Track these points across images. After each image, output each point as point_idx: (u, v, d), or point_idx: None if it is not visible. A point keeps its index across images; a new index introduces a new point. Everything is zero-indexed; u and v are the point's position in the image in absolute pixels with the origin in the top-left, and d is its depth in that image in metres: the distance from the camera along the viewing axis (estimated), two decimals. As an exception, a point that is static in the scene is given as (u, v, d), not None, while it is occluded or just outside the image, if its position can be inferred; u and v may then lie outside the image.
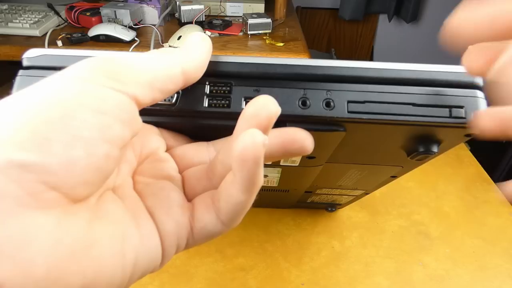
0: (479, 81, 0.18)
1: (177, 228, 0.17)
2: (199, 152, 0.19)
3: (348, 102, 0.17)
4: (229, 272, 0.38)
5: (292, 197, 0.39)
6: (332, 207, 0.44)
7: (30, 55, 0.18)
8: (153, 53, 0.15)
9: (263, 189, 0.33)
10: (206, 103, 0.17)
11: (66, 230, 0.12)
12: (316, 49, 1.80)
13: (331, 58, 1.57)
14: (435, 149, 0.19)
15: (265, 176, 0.29)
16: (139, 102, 0.14)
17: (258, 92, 0.17)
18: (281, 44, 0.88)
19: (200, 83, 0.17)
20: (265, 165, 0.24)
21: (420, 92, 0.17)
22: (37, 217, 0.11)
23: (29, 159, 0.11)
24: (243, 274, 0.38)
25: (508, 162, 1.40)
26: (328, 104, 0.17)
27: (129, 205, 0.16)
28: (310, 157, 0.22)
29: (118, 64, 0.14)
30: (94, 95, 0.13)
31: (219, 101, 0.17)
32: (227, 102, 0.17)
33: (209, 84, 0.18)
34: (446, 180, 0.51)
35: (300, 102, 0.17)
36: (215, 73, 0.18)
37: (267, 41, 0.89)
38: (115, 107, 0.13)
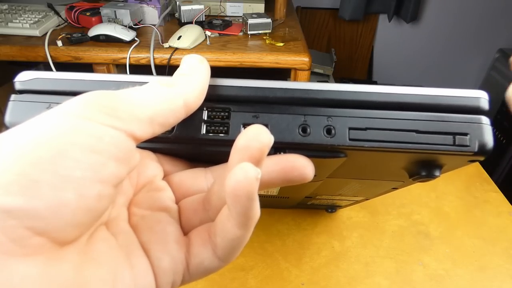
0: (484, 106, 0.17)
1: (173, 264, 0.16)
2: (196, 180, 0.19)
3: (350, 129, 0.17)
4: (229, 272, 0.38)
5: (292, 201, 0.39)
6: (332, 208, 0.44)
7: (22, 79, 0.17)
8: (153, 86, 0.15)
9: (263, 196, 0.33)
10: (204, 130, 0.17)
11: (52, 278, 0.11)
12: (316, 49, 1.80)
13: (331, 57, 1.56)
14: (437, 173, 0.19)
15: None
16: (137, 138, 0.14)
17: (257, 119, 0.17)
18: (281, 44, 0.88)
19: (198, 108, 0.16)
20: None
21: (424, 118, 0.17)
22: (21, 266, 0.11)
23: (14, 203, 0.11)
24: (243, 274, 0.38)
25: (508, 162, 1.40)
26: (329, 131, 0.17)
27: (123, 242, 0.15)
28: None
29: (116, 99, 0.13)
30: (88, 132, 0.12)
31: (217, 128, 0.17)
32: (225, 128, 0.17)
33: (206, 109, 0.17)
34: (446, 180, 0.51)
35: (300, 129, 0.17)
36: (213, 97, 0.17)
37: (267, 41, 0.89)
38: (111, 145, 0.13)
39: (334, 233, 0.43)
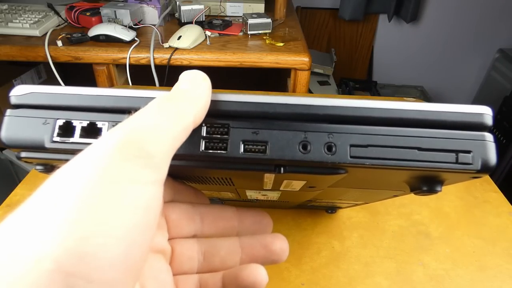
0: (488, 122, 0.17)
1: None
2: (190, 222, 0.20)
3: (351, 146, 0.16)
4: (229, 272, 0.38)
5: (292, 204, 0.39)
6: (332, 209, 0.44)
7: (18, 93, 0.17)
8: (162, 106, 0.14)
9: (264, 200, 0.33)
10: (202, 147, 0.17)
11: None
12: (316, 49, 1.80)
13: (331, 57, 1.56)
14: (438, 188, 0.18)
15: (265, 194, 0.29)
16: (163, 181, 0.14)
17: (256, 135, 0.17)
18: (281, 44, 0.88)
19: None
20: (265, 189, 0.24)
21: (426, 135, 0.16)
22: None
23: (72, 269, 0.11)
24: (243, 274, 0.38)
25: (508, 162, 1.40)
26: (329, 149, 0.16)
27: None
28: (310, 186, 0.21)
29: (145, 137, 0.13)
30: (135, 195, 0.12)
31: (216, 144, 0.17)
32: (224, 145, 0.17)
33: (205, 125, 0.17)
34: (446, 180, 0.51)
35: (300, 146, 0.16)
36: (212, 112, 0.17)
37: (267, 41, 0.89)
38: (152, 201, 0.13)
39: (334, 233, 0.43)
